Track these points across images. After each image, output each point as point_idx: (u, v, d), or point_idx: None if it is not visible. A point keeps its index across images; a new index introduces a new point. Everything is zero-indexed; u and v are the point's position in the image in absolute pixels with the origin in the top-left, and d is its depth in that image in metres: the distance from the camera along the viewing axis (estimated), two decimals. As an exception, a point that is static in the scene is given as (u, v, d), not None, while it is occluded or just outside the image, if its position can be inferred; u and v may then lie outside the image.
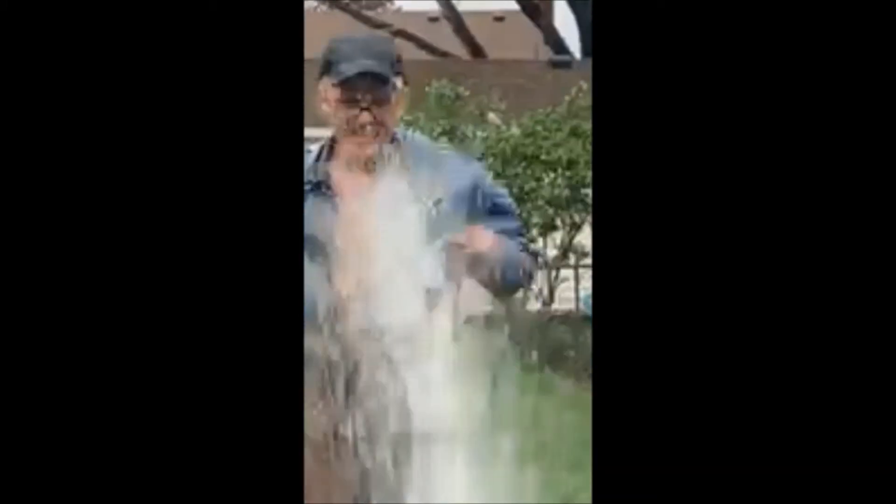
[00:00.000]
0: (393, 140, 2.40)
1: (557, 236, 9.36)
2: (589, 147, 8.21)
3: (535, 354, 7.64)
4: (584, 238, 9.18)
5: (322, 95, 2.40)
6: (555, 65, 15.74)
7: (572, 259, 9.62)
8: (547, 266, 9.11)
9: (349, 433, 2.33)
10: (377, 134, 2.37)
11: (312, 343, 2.23)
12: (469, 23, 19.06)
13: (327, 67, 2.38)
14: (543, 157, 9.00)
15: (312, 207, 2.34)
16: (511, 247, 2.49)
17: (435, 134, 8.46)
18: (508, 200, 2.59)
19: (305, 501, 1.92)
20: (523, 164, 8.97)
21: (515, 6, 18.98)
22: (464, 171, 2.46)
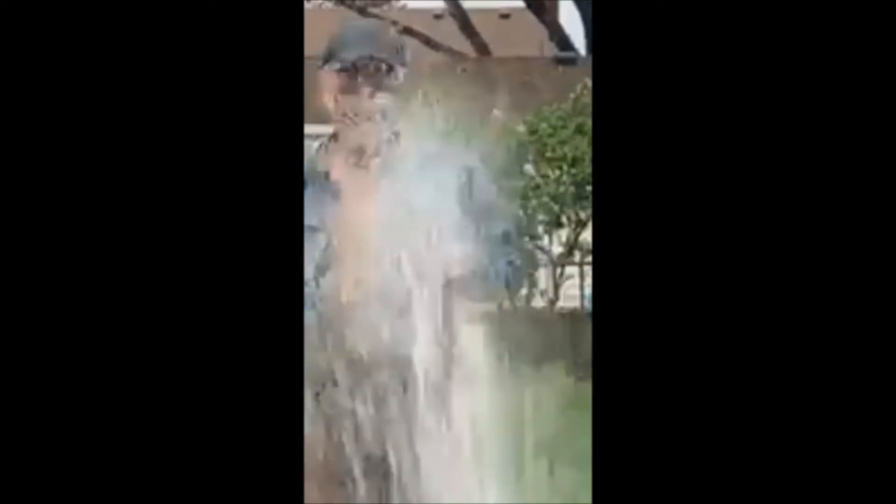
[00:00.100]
0: (395, 132, 2.39)
1: (563, 233, 9.37)
2: (594, 144, 8.19)
3: (538, 352, 7.64)
4: (590, 235, 9.18)
5: (324, 84, 2.38)
6: (560, 62, 15.75)
7: (577, 256, 9.62)
8: (552, 264, 9.11)
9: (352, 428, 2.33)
10: (379, 122, 2.35)
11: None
12: (474, 20, 19.06)
13: (329, 55, 2.37)
14: (548, 154, 9.01)
15: (312, 200, 2.33)
16: (485, 257, 2.36)
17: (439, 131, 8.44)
18: (501, 202, 2.52)
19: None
20: (528, 161, 8.97)
21: (521, 3, 18.98)
22: (457, 163, 2.41)
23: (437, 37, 18.40)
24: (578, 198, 8.97)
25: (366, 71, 2.31)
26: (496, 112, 9.64)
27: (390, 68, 2.33)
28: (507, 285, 2.43)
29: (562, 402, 5.97)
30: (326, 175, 2.38)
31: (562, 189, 8.85)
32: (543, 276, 9.31)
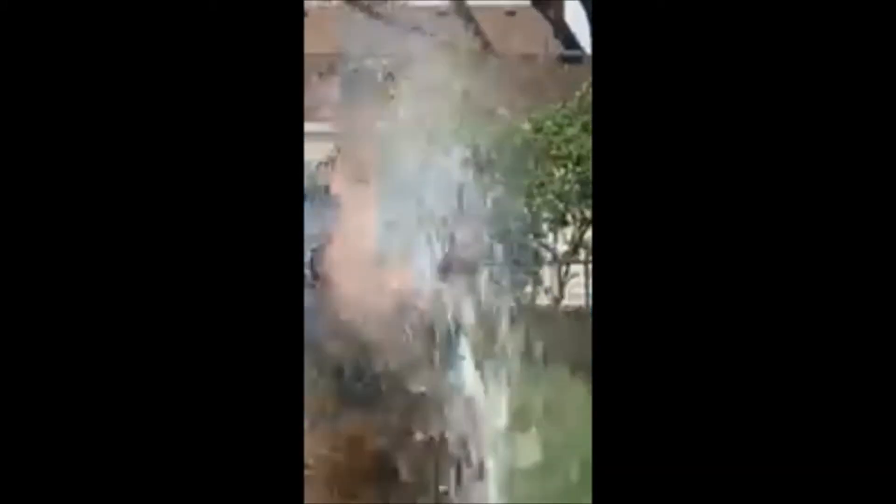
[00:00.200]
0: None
1: (568, 231, 9.36)
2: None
3: (543, 349, 7.63)
4: (595, 234, 9.16)
5: (324, 97, 2.39)
6: (565, 60, 15.73)
7: (582, 255, 9.61)
8: (557, 262, 9.11)
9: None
10: (377, 135, 2.36)
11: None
12: (479, 17, 19.02)
13: (328, 66, 2.36)
14: (553, 152, 9.01)
15: (312, 214, 2.33)
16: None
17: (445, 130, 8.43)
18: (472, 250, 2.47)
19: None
20: (533, 159, 8.97)
21: (527, 1, 18.94)
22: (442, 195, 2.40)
23: (441, 34, 18.36)
24: (583, 196, 8.96)
25: (365, 84, 2.32)
26: (501, 110, 9.63)
27: (390, 78, 2.33)
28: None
29: (569, 399, 5.98)
30: (326, 189, 2.38)
31: (567, 187, 8.86)
32: (548, 275, 9.30)
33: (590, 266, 9.87)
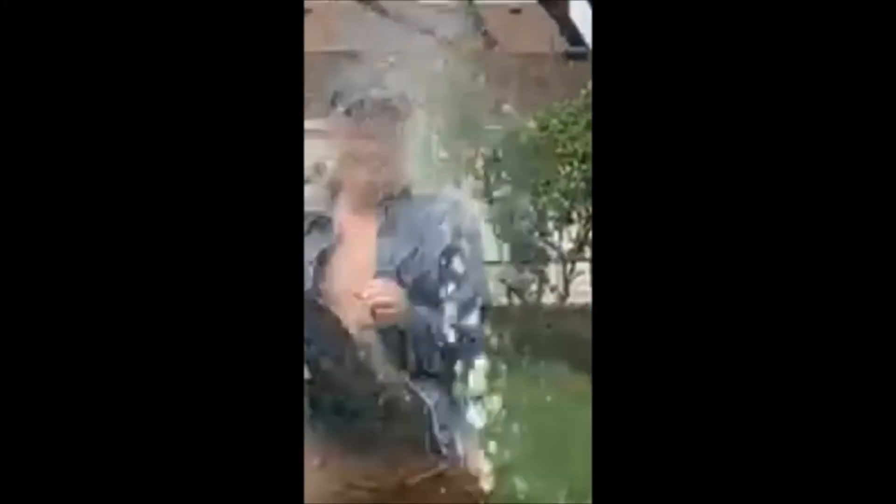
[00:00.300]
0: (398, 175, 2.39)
1: (573, 229, 9.35)
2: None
3: (547, 347, 7.64)
4: (600, 232, 9.14)
5: (329, 127, 2.38)
6: (571, 57, 15.71)
7: (588, 253, 9.61)
8: (563, 260, 9.11)
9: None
10: (383, 165, 2.35)
11: None
12: (485, 15, 19.01)
13: (335, 98, 2.36)
14: (559, 150, 9.01)
15: (314, 246, 2.34)
16: (424, 319, 2.32)
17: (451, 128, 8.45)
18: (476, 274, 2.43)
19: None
20: (539, 157, 8.97)
21: (532, -1, 18.91)
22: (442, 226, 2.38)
23: (447, 31, 18.34)
24: (589, 194, 8.95)
25: (370, 114, 2.31)
26: (506, 108, 9.63)
27: (394, 110, 2.33)
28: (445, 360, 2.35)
29: (573, 398, 5.97)
30: (329, 220, 2.39)
31: (572, 185, 8.85)
32: (554, 273, 9.31)
33: (595, 264, 9.85)
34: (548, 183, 8.86)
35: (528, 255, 8.99)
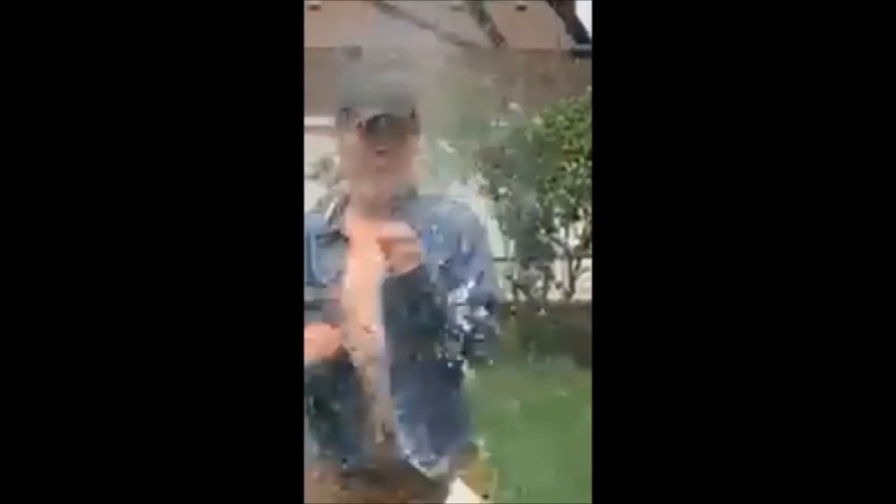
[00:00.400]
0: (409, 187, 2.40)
1: (579, 226, 9.33)
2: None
3: (552, 343, 7.64)
4: (606, 228, 9.11)
5: (339, 141, 2.39)
6: (576, 54, 15.68)
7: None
8: (569, 256, 9.10)
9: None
10: (394, 178, 2.37)
11: None
12: (491, 12, 18.98)
13: (345, 112, 2.37)
14: (565, 146, 8.98)
15: (325, 258, 2.35)
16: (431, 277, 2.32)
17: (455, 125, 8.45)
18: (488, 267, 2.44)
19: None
20: (545, 153, 8.96)
21: (538, -5, 18.88)
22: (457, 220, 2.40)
23: (452, 29, 18.32)
24: (595, 191, 8.92)
25: (381, 128, 2.32)
26: (513, 105, 9.61)
27: (404, 124, 2.34)
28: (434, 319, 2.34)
29: (578, 395, 5.98)
30: (338, 233, 2.40)
31: (578, 182, 8.82)
32: (560, 269, 9.29)
33: (601, 261, 9.82)
34: (554, 180, 8.84)
35: (534, 251, 8.98)
